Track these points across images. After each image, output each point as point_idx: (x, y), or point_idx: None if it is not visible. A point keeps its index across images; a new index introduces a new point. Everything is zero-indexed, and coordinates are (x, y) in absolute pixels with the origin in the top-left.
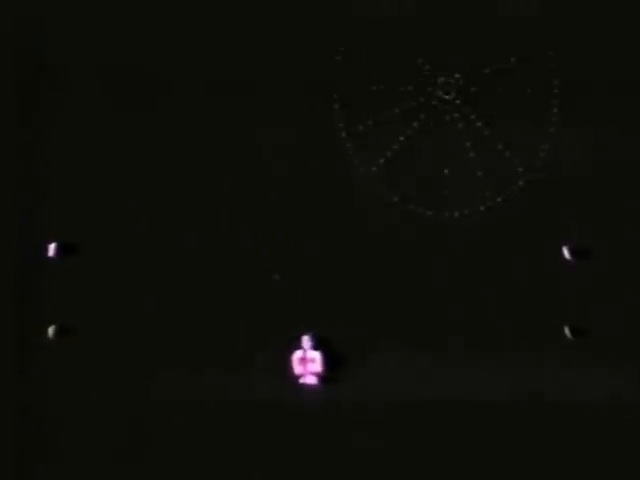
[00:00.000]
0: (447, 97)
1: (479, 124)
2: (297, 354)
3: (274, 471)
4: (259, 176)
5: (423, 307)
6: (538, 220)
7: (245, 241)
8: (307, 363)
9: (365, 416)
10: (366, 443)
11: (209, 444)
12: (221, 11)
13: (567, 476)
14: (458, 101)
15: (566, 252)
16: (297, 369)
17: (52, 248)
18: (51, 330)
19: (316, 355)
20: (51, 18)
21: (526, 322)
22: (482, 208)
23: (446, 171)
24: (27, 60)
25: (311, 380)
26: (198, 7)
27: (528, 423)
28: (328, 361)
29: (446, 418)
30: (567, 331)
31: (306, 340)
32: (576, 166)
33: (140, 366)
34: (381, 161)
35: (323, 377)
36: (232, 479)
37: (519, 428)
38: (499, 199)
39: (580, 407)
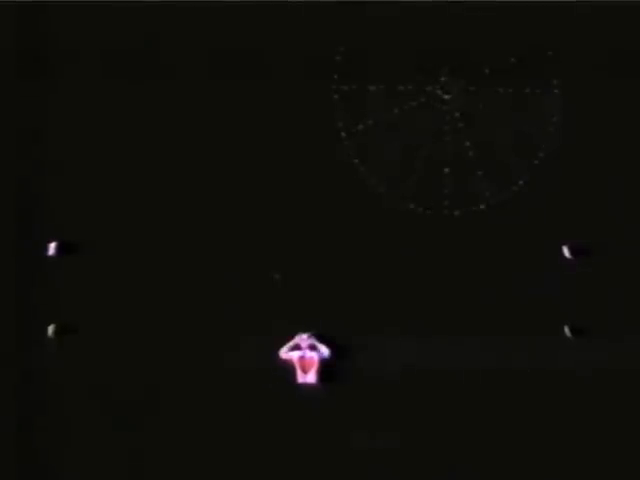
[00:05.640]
0: (447, 97)
1: (479, 124)
2: (296, 354)
3: (272, 471)
4: (259, 176)
5: (422, 307)
6: (538, 220)
7: (245, 240)
8: (306, 363)
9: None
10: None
11: (207, 445)
12: (221, 11)
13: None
14: (458, 101)
15: (566, 252)
16: (296, 368)
17: (52, 247)
18: (51, 329)
19: (314, 355)
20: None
21: (526, 322)
22: (482, 208)
23: (446, 171)
24: (26, 59)
25: (310, 379)
26: (196, 8)
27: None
28: (327, 360)
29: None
30: (567, 330)
31: (305, 339)
32: (576, 166)
33: (140, 365)
34: (381, 161)
35: (321, 376)
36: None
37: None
38: (499, 199)
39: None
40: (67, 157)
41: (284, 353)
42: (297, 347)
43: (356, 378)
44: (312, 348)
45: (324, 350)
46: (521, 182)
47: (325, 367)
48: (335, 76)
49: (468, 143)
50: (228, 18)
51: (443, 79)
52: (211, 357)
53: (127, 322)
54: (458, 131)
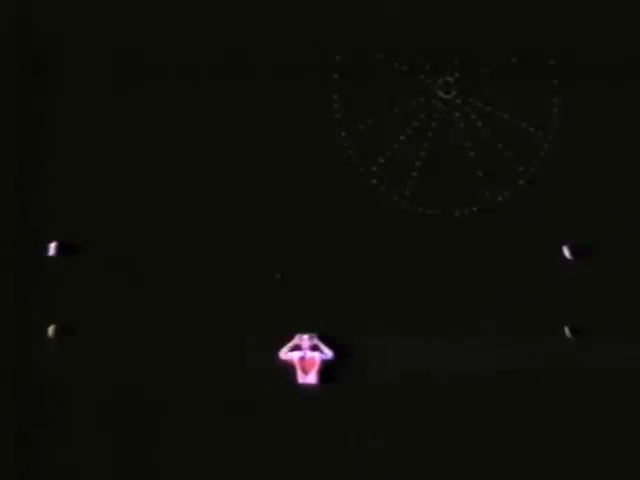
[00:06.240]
0: (447, 97)
1: (479, 124)
2: (296, 354)
3: (272, 471)
4: (259, 177)
5: (423, 307)
6: (538, 220)
7: (245, 240)
8: (306, 363)
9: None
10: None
11: (207, 445)
12: (220, 11)
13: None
14: (458, 101)
15: (566, 252)
16: (297, 369)
17: (52, 247)
18: (51, 329)
19: (315, 355)
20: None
21: (526, 322)
22: (482, 208)
23: (446, 171)
24: (26, 59)
25: (310, 380)
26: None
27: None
28: (329, 361)
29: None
30: (567, 330)
31: (305, 340)
32: (576, 166)
33: (140, 365)
34: (381, 161)
35: (322, 377)
36: None
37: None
38: (499, 199)
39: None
40: (67, 157)
41: (284, 354)
42: (297, 348)
43: (356, 379)
44: (314, 349)
45: (327, 352)
46: (521, 182)
47: (325, 367)
48: (335, 76)
49: (468, 143)
50: (227, 18)
51: (443, 79)
52: (211, 357)
53: (127, 322)
54: (458, 131)
